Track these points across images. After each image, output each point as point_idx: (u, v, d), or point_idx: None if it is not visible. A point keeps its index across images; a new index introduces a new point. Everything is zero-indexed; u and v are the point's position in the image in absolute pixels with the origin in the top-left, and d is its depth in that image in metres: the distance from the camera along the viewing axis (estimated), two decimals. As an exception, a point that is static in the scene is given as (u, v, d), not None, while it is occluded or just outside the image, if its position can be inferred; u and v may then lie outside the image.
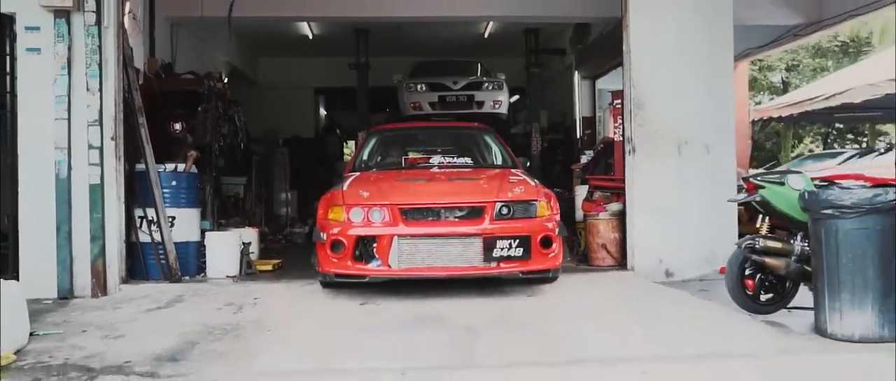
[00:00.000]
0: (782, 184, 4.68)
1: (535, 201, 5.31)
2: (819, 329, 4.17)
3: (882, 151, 5.18)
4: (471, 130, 7.80)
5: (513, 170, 6.33)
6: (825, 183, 4.65)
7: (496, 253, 5.04)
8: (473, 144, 7.29)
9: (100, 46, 5.93)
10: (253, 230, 7.56)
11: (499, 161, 6.77)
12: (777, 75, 26.44)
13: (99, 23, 5.93)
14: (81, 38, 5.91)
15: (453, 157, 6.70)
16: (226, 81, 10.38)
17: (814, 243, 4.18)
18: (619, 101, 7.13)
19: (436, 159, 6.57)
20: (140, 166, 6.36)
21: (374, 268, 5.05)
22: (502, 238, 5.05)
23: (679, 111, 6.63)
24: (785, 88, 26.67)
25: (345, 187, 5.55)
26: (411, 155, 7.00)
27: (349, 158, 8.36)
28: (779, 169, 5.84)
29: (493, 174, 6.05)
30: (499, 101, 11.23)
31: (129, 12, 6.40)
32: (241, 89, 12.60)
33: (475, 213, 5.15)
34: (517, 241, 5.06)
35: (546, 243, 5.18)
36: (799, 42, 11.54)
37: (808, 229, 4.26)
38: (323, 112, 18.30)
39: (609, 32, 10.14)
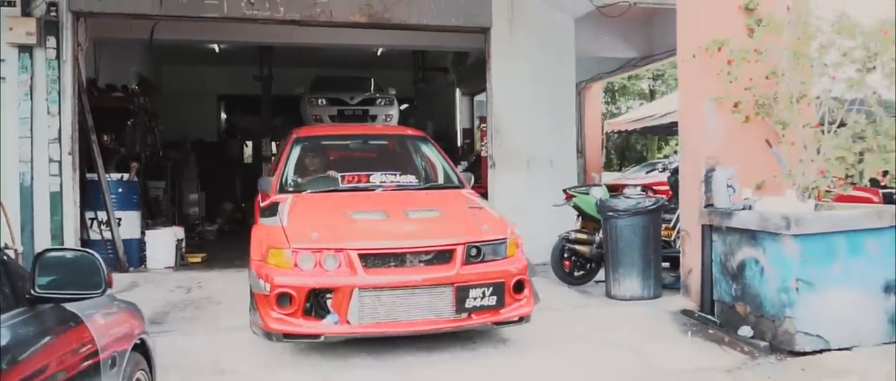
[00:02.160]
0: (587, 194, 6.66)
1: (505, 239, 4.71)
2: (608, 293, 6.16)
3: (660, 169, 7.12)
4: (406, 138, 6.82)
5: (462, 191, 5.71)
6: (625, 191, 6.67)
7: (469, 304, 4.40)
8: (411, 156, 6.53)
9: (59, 77, 7.16)
10: (181, 229, 8.88)
11: (442, 178, 6.08)
12: (645, 83, 29.58)
13: (58, 57, 7.15)
14: (43, 69, 7.12)
15: (395, 174, 5.86)
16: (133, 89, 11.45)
17: (604, 235, 6.16)
18: (485, 125, 9.02)
19: (376, 177, 5.68)
20: (91, 175, 7.60)
21: (329, 326, 4.29)
22: (475, 286, 4.42)
23: (530, 134, 8.56)
24: (652, 94, 29.95)
25: (285, 222, 4.65)
26: (349, 172, 5.87)
27: (271, 170, 6.82)
28: (585, 184, 7.87)
29: (447, 200, 5.35)
30: (390, 114, 12.91)
31: (80, 46, 7.59)
32: (146, 96, 13.59)
33: (444, 257, 4.46)
34: (491, 288, 4.45)
35: (519, 287, 4.65)
36: (636, 70, 13.95)
37: (602, 225, 6.25)
38: (223, 116, 19.31)
39: (484, 58, 12.06)
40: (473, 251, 4.53)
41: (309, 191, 5.46)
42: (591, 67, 13.34)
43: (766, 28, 5.31)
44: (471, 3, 8.21)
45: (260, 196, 5.85)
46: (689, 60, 5.70)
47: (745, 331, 4.95)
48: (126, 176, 7.88)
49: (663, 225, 6.51)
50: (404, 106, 15.18)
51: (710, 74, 5.49)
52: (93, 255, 2.02)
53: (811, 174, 5.05)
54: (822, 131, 5.08)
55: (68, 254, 2.01)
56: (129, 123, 9.18)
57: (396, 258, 4.45)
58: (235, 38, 11.31)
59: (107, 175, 7.71)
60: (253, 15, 7.60)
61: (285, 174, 5.74)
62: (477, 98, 14.75)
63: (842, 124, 5.10)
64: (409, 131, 7.13)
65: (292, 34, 10.94)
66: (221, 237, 11.70)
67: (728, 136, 5.60)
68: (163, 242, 7.97)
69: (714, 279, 5.39)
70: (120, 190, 7.75)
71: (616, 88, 27.91)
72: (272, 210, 5.00)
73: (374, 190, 5.51)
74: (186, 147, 13.89)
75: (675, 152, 25.53)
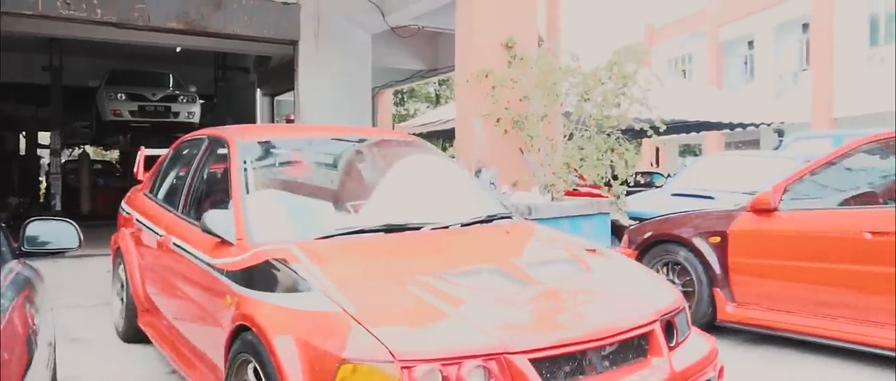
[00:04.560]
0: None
1: (683, 304, 3.05)
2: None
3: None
4: (401, 145, 4.60)
5: (528, 223, 4.10)
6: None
7: None
8: (422, 173, 4.31)
9: None
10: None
11: (482, 206, 3.98)
12: (431, 87, 31.86)
13: None
14: None
15: (424, 201, 3.90)
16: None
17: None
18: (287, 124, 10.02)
19: (414, 215, 3.56)
20: None
21: None
22: None
23: (333, 136, 9.72)
24: (437, 98, 32.34)
25: (349, 305, 2.49)
26: (356, 200, 3.85)
27: (154, 183, 4.95)
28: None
29: (549, 242, 3.66)
30: (192, 112, 13.34)
31: None
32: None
33: (637, 347, 2.71)
34: None
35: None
36: (423, 81, 15.69)
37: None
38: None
39: (288, 62, 12.94)
40: (666, 328, 2.85)
41: (317, 236, 3.20)
42: (385, 75, 14.81)
43: (520, 62, 6.96)
44: (281, 18, 9.18)
45: (146, 234, 4.28)
46: (463, 84, 7.22)
47: (502, 293, 6.54)
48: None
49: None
50: (201, 101, 15.55)
51: (479, 96, 7.04)
52: (68, 221, 2.86)
53: (549, 175, 6.78)
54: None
55: (48, 221, 2.81)
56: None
57: (572, 361, 2.51)
58: (23, 30, 11.08)
59: None
60: (69, 15, 7.93)
61: (256, 209, 3.35)
62: (278, 98, 15.55)
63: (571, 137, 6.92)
64: (401, 135, 5.10)
65: (87, 32, 10.95)
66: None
67: (492, 144, 7.18)
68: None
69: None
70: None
71: (405, 91, 29.87)
72: (280, 279, 2.80)
73: (418, 229, 3.43)
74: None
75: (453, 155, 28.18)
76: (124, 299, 4.80)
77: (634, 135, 7.41)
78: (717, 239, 4.86)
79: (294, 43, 9.47)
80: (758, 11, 23.61)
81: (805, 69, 22.15)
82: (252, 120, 15.92)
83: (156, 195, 4.72)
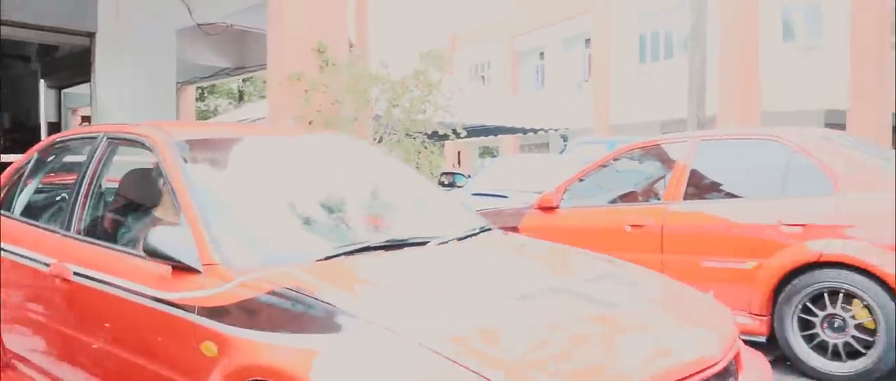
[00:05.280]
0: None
1: None
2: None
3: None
4: (344, 146, 4.00)
5: (520, 235, 4.03)
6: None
7: None
8: (380, 178, 3.72)
9: None
10: None
11: (455, 216, 3.53)
12: (234, 84, 30.92)
13: None
14: None
15: (416, 215, 3.54)
16: None
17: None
18: (76, 117, 9.47)
19: (411, 229, 3.20)
20: None
21: None
22: None
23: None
24: (241, 95, 31.45)
25: (449, 348, 1.91)
26: (368, 227, 3.28)
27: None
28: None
29: (569, 257, 3.31)
30: (-39, 104, 11.94)
31: None
32: None
33: (726, 372, 2.33)
34: None
35: None
36: (229, 78, 15.38)
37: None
38: None
39: (78, 53, 12.02)
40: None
41: (318, 258, 2.56)
42: (189, 71, 14.28)
43: (332, 68, 7.22)
44: (76, 7, 8.63)
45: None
46: (276, 85, 7.34)
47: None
48: None
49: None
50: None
51: (292, 97, 7.17)
52: None
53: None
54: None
55: None
56: None
57: None
58: None
59: None
60: None
61: (223, 225, 2.61)
62: (65, 91, 14.34)
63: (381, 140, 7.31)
64: (341, 136, 4.58)
65: None
66: None
67: (305, 145, 7.38)
68: None
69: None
70: None
71: (206, 88, 28.77)
72: (308, 315, 2.16)
73: (423, 244, 2.91)
74: None
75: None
76: None
77: (438, 138, 7.99)
78: (510, 234, 5.50)
79: (91, 35, 8.94)
80: (548, 25, 25.79)
81: (587, 80, 24.58)
82: (34, 113, 14.57)
83: (15, 212, 3.71)
